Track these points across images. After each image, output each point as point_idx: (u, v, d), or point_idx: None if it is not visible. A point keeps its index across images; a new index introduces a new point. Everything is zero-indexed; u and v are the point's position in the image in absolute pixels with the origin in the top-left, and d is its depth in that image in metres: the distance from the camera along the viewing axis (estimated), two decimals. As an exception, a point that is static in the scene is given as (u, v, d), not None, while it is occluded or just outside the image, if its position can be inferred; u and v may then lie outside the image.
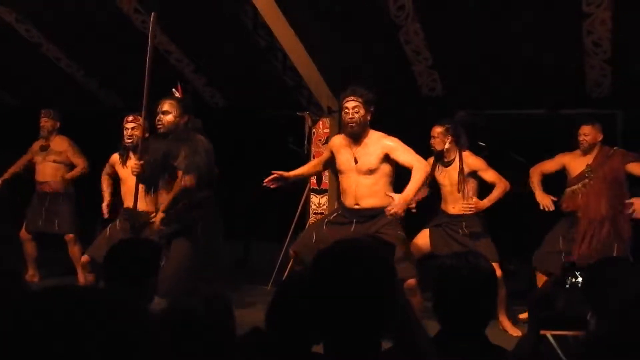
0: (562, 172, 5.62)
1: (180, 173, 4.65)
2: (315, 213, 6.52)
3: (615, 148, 5.48)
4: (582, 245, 5.29)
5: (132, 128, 5.46)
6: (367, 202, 4.80)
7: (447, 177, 5.41)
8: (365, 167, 4.78)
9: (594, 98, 5.98)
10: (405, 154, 4.72)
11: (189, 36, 6.65)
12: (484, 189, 5.40)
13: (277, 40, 6.01)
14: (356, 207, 4.84)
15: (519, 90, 6.04)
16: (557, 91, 6.01)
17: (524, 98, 6.16)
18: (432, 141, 5.40)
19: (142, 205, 5.20)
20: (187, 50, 6.83)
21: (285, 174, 4.92)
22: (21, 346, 0.94)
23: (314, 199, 6.69)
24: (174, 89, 4.90)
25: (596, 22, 5.26)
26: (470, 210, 5.23)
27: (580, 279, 2.19)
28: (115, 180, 5.91)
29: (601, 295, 2.02)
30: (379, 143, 4.79)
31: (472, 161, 5.35)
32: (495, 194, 5.28)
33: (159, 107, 4.74)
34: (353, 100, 4.75)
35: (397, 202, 4.52)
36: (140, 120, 5.06)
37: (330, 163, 5.18)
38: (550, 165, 5.63)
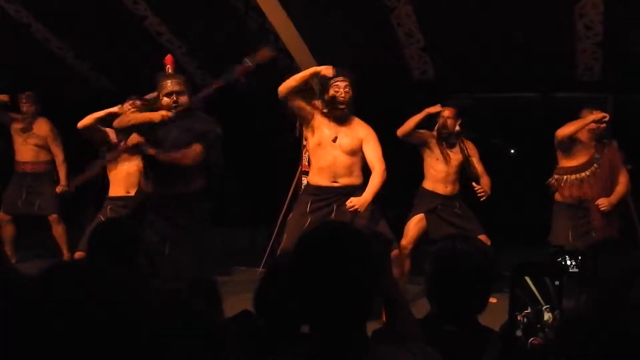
0: (551, 160, 5.56)
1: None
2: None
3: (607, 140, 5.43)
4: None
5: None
6: (345, 180, 4.82)
7: (451, 158, 5.42)
8: (348, 146, 4.79)
9: (585, 81, 5.98)
10: (373, 151, 4.77)
11: (180, 18, 6.59)
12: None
13: (269, 23, 5.98)
14: (334, 184, 4.83)
15: (510, 74, 6.04)
16: (548, 75, 6.01)
17: (515, 81, 6.16)
18: (443, 122, 5.32)
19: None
20: (178, 32, 6.77)
21: None
22: (27, 324, 0.94)
23: (305, 181, 6.67)
24: (167, 65, 4.60)
25: (588, 6, 5.25)
26: (484, 195, 5.29)
27: (569, 263, 2.20)
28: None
29: (590, 276, 2.03)
30: (361, 127, 4.83)
31: (471, 148, 5.41)
32: (487, 182, 5.39)
33: (170, 87, 4.41)
34: (344, 80, 4.75)
35: (359, 202, 4.58)
36: (139, 103, 4.88)
37: (304, 118, 4.95)
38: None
